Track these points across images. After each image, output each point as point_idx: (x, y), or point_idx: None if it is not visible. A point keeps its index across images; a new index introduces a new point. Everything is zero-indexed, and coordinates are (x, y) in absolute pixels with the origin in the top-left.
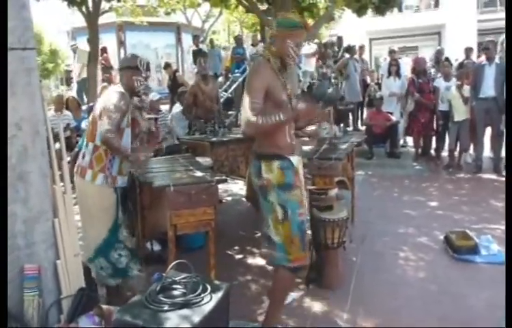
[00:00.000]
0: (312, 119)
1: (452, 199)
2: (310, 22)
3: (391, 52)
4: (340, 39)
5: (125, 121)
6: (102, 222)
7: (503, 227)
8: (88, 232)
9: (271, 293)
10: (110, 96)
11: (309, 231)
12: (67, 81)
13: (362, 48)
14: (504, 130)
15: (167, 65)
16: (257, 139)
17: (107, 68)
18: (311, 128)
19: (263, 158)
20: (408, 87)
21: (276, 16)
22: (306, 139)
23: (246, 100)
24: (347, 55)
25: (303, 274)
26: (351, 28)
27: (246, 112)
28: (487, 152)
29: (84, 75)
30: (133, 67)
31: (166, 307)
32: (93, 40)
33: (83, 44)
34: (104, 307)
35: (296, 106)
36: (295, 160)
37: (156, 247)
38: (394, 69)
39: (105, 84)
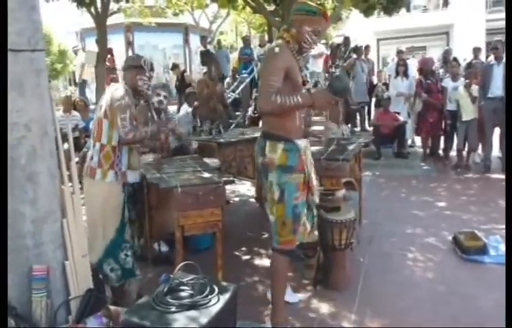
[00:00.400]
0: (326, 107)
1: (461, 200)
2: None
3: (399, 52)
4: (347, 39)
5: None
6: (110, 222)
7: None
8: (95, 234)
9: (271, 279)
10: (113, 95)
11: (313, 230)
12: (75, 82)
13: (367, 48)
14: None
15: (175, 66)
16: (266, 118)
17: (112, 69)
18: (319, 128)
19: (269, 138)
20: (416, 87)
21: (287, 18)
22: (314, 138)
23: (264, 77)
24: (354, 56)
25: (310, 275)
26: (358, 28)
27: (265, 89)
28: (495, 151)
29: (84, 77)
30: (137, 67)
31: (173, 309)
32: (102, 41)
33: (92, 45)
34: (112, 308)
35: (313, 92)
36: (303, 143)
37: (164, 248)
38: (401, 69)
39: (112, 84)
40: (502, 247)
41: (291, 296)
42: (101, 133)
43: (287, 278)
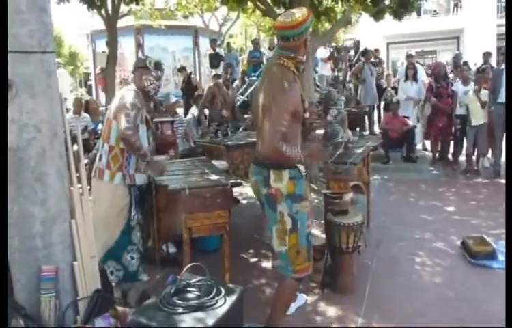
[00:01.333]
0: (319, 160)
1: (470, 204)
2: (327, 26)
3: (408, 56)
4: (357, 43)
5: (140, 118)
6: (115, 223)
7: None
8: (100, 235)
9: (274, 300)
10: (123, 96)
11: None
12: (86, 83)
13: (377, 51)
14: None
15: (182, 68)
16: (265, 145)
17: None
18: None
19: (272, 167)
20: (426, 91)
21: None
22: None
23: (275, 117)
24: (362, 59)
25: (317, 278)
26: (368, 32)
27: (277, 128)
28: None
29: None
30: (142, 67)
31: (180, 310)
32: (112, 43)
33: (102, 47)
34: (120, 308)
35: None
36: (302, 168)
37: (172, 250)
38: (411, 73)
39: (123, 85)
40: None
41: (298, 301)
42: (109, 135)
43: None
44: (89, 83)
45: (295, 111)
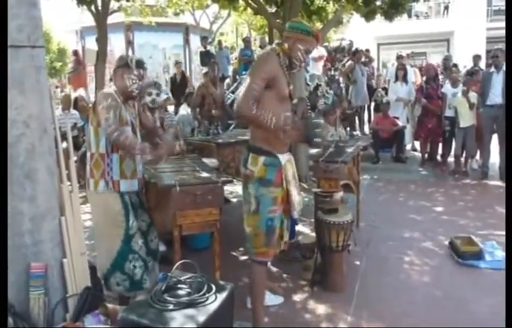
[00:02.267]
0: (293, 138)
1: (458, 205)
2: (319, 25)
3: (399, 57)
4: (351, 43)
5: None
6: (112, 233)
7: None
8: (101, 246)
9: (251, 287)
10: (98, 99)
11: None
12: None
13: (367, 52)
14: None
15: (177, 63)
16: (252, 130)
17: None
18: None
19: (252, 150)
20: (416, 93)
21: (288, 20)
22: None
23: (247, 82)
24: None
25: (307, 276)
26: (359, 33)
27: (246, 92)
28: (493, 158)
29: None
30: (123, 66)
31: (171, 307)
32: (102, 40)
33: (92, 44)
34: (110, 306)
35: (290, 120)
36: (284, 158)
37: (162, 248)
38: (401, 74)
39: (111, 84)
40: (498, 253)
41: (271, 300)
42: (90, 142)
43: (265, 287)
44: None
45: (270, 81)
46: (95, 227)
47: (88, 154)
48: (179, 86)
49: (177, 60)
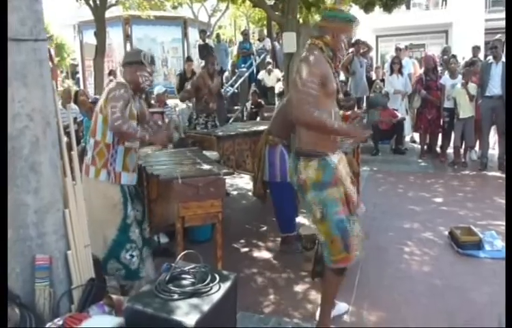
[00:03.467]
0: (358, 141)
1: (457, 196)
2: (317, 18)
3: (396, 49)
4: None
5: (127, 111)
6: (110, 222)
7: None
8: (97, 235)
9: (321, 295)
10: (110, 88)
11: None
12: (73, 75)
13: (364, 43)
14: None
15: (189, 59)
16: (299, 134)
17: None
18: None
19: (302, 155)
20: (416, 84)
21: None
22: None
23: (300, 86)
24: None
25: (308, 267)
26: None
27: (303, 98)
28: (492, 149)
29: None
30: (137, 62)
31: (175, 296)
32: (100, 34)
33: (90, 38)
34: (114, 296)
35: (353, 126)
36: (336, 157)
37: (163, 240)
38: (396, 67)
39: (111, 78)
40: (497, 243)
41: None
42: (96, 129)
43: (336, 295)
44: (77, 76)
45: (323, 79)
46: (90, 214)
47: (91, 141)
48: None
49: (189, 56)
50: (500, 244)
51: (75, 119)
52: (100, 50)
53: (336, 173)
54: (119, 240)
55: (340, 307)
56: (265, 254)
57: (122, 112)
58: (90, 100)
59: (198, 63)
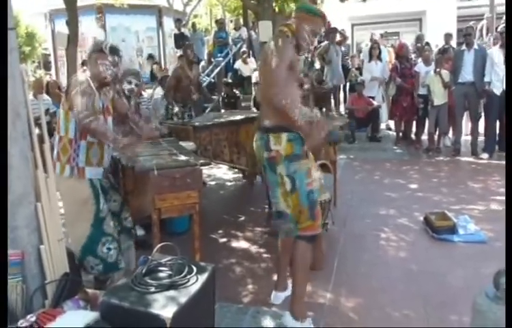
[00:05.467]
0: (316, 144)
1: (432, 182)
2: (293, 6)
3: (372, 39)
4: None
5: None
6: (82, 218)
7: (480, 208)
8: (71, 232)
9: (293, 270)
10: (72, 83)
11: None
12: (45, 65)
13: (340, 32)
14: (483, 113)
15: (150, 57)
16: (267, 112)
17: None
18: None
19: (270, 131)
20: (391, 72)
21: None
22: None
23: (277, 69)
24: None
25: None
26: (333, 13)
27: (281, 82)
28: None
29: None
30: (97, 51)
31: (152, 289)
32: (72, 23)
33: (62, 27)
34: (89, 291)
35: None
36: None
37: (140, 232)
38: (375, 52)
39: (85, 68)
40: (470, 226)
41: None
42: (59, 124)
43: (308, 267)
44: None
45: (291, 64)
46: (65, 213)
47: (56, 137)
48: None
49: (150, 54)
50: (473, 227)
51: (47, 110)
52: (73, 39)
53: (304, 148)
54: (93, 236)
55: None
56: (243, 244)
57: (89, 109)
58: (62, 91)
59: (173, 53)
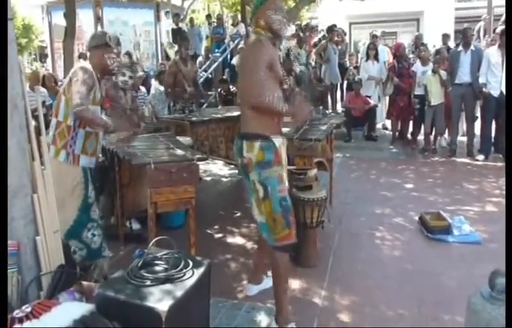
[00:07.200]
0: (304, 119)
1: (427, 182)
2: (292, 4)
3: (372, 36)
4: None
5: (91, 95)
6: (70, 202)
7: (475, 209)
8: (59, 214)
9: (272, 278)
10: (75, 72)
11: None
12: (42, 57)
13: (339, 32)
14: (479, 115)
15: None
16: (244, 118)
17: None
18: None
19: (245, 138)
20: (389, 71)
21: None
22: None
23: (253, 71)
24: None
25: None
26: (331, 12)
27: (257, 83)
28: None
29: None
30: (103, 45)
31: (148, 282)
32: (70, 15)
33: (59, 20)
34: (85, 283)
35: (295, 102)
36: (278, 140)
37: (135, 226)
38: (372, 53)
39: (81, 60)
40: (465, 227)
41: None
42: (58, 109)
43: (288, 274)
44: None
45: (269, 64)
46: (55, 194)
47: (54, 121)
48: None
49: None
50: (468, 228)
51: (43, 102)
52: (70, 32)
53: (278, 153)
54: (80, 220)
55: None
56: (239, 240)
57: (85, 98)
58: (60, 84)
59: (170, 47)
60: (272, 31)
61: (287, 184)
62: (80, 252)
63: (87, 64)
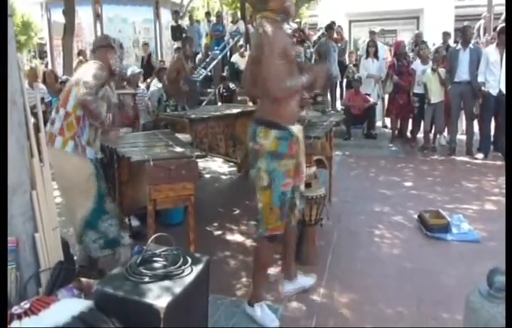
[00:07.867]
0: (324, 82)
1: (427, 180)
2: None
3: (371, 33)
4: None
5: (101, 93)
6: (84, 193)
7: (474, 207)
8: (71, 206)
9: (253, 265)
10: (90, 67)
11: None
12: (41, 54)
13: (338, 31)
14: (477, 113)
15: (145, 44)
16: (262, 103)
17: None
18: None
19: (262, 124)
20: (389, 69)
21: None
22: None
23: (270, 62)
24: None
25: (281, 250)
26: (331, 10)
27: (276, 75)
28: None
29: None
30: (106, 46)
31: (147, 279)
32: (69, 12)
33: (58, 17)
34: (84, 280)
35: (311, 69)
36: (296, 129)
37: (135, 223)
38: (372, 50)
39: (81, 58)
40: (464, 226)
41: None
42: (67, 100)
43: (271, 264)
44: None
45: (284, 50)
46: (64, 188)
47: (61, 111)
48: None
49: (145, 41)
50: (467, 227)
51: (42, 99)
52: (69, 29)
53: (292, 146)
54: (95, 212)
55: (307, 280)
56: (238, 237)
57: (95, 92)
58: (60, 80)
59: (170, 44)
60: (283, 9)
61: (302, 174)
62: (98, 242)
63: (102, 65)
